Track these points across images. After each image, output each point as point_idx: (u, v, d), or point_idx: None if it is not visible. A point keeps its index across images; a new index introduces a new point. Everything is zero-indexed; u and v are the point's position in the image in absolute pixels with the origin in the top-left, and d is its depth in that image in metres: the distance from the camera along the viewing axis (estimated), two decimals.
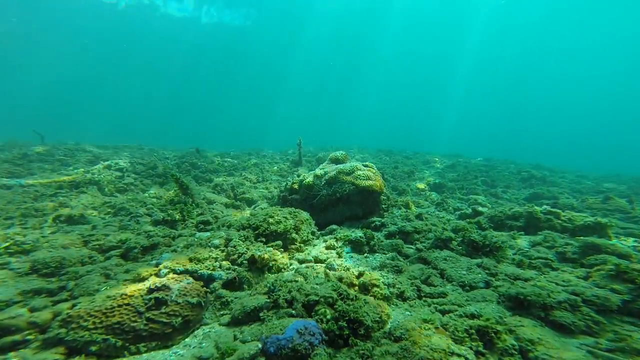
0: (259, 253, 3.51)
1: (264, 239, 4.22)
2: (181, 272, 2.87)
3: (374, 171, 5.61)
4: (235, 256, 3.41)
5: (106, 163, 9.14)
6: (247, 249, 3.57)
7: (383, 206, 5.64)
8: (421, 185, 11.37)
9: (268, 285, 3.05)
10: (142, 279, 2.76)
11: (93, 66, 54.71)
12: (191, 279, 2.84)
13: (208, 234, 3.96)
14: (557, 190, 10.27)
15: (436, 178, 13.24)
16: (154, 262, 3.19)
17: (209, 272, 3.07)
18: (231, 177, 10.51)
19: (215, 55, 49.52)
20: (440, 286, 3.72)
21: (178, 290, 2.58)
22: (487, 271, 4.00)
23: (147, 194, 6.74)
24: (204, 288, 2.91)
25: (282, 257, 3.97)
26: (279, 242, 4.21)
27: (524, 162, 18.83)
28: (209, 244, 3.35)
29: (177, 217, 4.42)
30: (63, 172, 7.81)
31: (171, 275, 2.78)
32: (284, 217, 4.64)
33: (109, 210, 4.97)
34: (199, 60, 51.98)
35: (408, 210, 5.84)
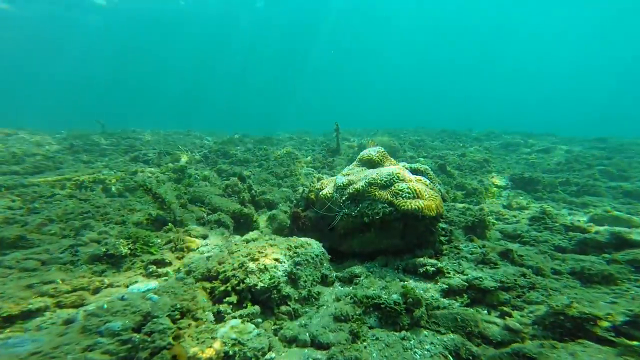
0: (196, 348, 1.99)
1: (235, 299, 2.70)
2: None
3: (427, 182, 3.45)
4: (147, 354, 1.94)
5: (133, 154, 8.78)
6: (175, 335, 2.07)
7: (442, 238, 3.51)
8: (499, 181, 8.39)
9: None
10: None
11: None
12: None
13: (144, 287, 2.59)
14: None
15: (523, 169, 9.85)
16: None
17: None
18: (259, 169, 9.31)
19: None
20: None
21: None
22: None
23: None
24: None
25: (255, 337, 2.38)
26: (256, 309, 2.62)
27: None
28: (100, 329, 1.93)
29: (125, 250, 3.17)
30: (90, 167, 7.64)
31: None
32: (275, 259, 3.00)
33: (78, 223, 4.08)
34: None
35: (486, 244, 3.56)
